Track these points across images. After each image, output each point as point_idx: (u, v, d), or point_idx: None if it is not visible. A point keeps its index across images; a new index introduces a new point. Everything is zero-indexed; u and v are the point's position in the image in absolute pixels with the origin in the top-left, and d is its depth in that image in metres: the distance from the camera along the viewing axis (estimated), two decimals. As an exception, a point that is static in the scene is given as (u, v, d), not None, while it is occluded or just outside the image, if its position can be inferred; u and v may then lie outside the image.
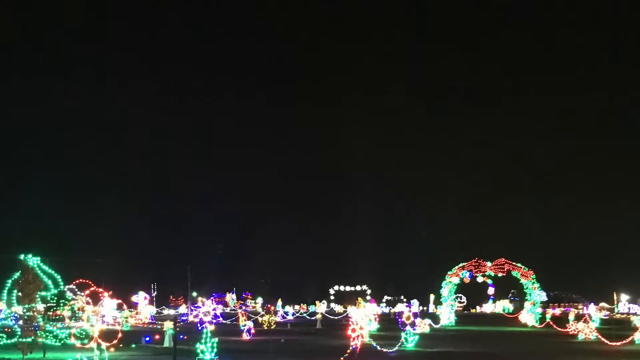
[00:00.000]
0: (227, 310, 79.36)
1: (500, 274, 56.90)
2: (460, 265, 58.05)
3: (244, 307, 79.06)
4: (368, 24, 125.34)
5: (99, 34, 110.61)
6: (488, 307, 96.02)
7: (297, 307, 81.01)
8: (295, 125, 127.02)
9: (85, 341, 21.29)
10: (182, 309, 77.93)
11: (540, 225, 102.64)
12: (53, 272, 21.98)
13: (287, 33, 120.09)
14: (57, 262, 24.17)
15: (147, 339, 30.49)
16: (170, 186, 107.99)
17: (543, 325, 50.35)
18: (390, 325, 43.66)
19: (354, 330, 24.81)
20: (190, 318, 54.73)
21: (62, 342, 21.76)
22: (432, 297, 78.44)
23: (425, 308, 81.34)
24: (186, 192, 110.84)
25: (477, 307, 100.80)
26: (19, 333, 21.62)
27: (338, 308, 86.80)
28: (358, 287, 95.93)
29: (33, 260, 21.69)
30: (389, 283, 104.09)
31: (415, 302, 77.55)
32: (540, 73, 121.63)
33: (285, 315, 64.13)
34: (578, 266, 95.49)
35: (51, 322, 22.23)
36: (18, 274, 21.68)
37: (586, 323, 36.90)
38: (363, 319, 32.43)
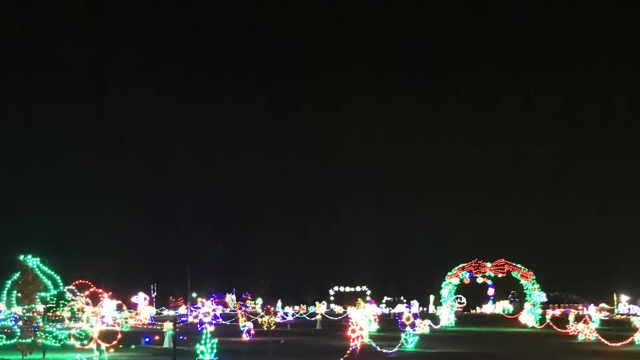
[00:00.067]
0: (227, 311, 79.25)
1: (500, 275, 56.82)
2: (460, 266, 57.93)
3: (243, 308, 79.09)
4: (368, 24, 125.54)
5: (99, 34, 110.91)
6: (488, 308, 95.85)
7: (296, 307, 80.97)
8: (295, 126, 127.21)
9: (85, 342, 21.23)
10: (182, 309, 77.98)
11: (540, 225, 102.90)
12: (53, 272, 21.92)
13: (287, 33, 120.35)
14: (57, 262, 24.17)
15: (147, 339, 30.46)
16: (170, 186, 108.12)
17: (543, 326, 50.32)
18: (390, 326, 43.63)
19: (353, 331, 24.76)
20: (190, 319, 54.82)
21: (62, 342, 21.71)
22: (432, 297, 78.46)
23: (425, 309, 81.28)
24: (186, 192, 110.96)
25: (477, 307, 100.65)
26: (19, 334, 21.57)
27: (338, 309, 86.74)
28: (358, 288, 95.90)
29: (33, 261, 21.64)
30: (389, 284, 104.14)
31: (415, 303, 77.69)
32: (540, 73, 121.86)
33: (285, 316, 64.09)
34: (578, 267, 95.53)
35: (51, 323, 22.19)
36: (18, 274, 21.63)
37: (586, 324, 36.89)
38: (363, 319, 32.46)
